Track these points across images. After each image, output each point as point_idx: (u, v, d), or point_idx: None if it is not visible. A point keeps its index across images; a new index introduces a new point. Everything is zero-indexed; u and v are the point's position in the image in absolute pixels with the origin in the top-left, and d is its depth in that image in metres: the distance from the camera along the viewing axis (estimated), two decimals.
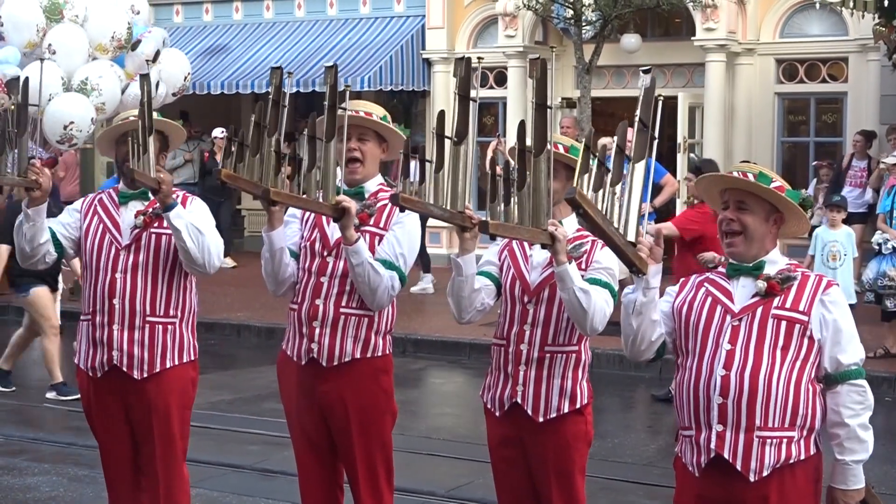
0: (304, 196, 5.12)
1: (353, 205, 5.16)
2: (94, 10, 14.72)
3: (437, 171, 4.71)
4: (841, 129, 18.52)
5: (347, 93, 5.15)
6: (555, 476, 5.14)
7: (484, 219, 4.52)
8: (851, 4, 14.98)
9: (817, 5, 15.61)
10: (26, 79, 5.81)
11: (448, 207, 4.71)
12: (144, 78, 5.56)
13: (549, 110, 4.40)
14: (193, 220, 5.63)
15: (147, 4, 15.83)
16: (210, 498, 7.85)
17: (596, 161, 4.25)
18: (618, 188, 4.23)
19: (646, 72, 4.24)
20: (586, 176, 4.21)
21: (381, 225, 5.47)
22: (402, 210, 5.07)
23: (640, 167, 4.21)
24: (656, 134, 4.23)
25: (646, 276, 4.34)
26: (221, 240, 5.81)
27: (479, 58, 4.70)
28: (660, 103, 4.23)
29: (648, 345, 4.53)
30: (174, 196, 5.61)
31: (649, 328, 4.49)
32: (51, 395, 11.18)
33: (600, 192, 4.20)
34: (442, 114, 4.79)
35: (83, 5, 14.72)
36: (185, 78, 15.92)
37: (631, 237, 4.23)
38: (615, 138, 4.30)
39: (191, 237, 5.60)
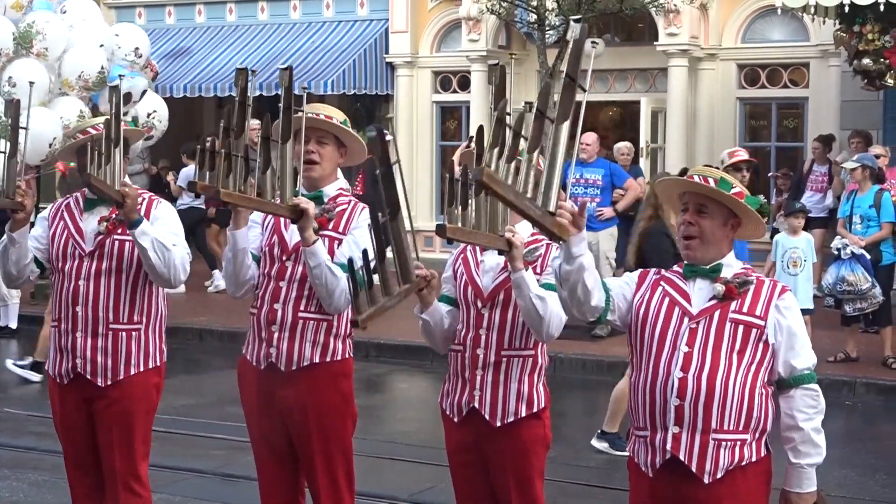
0: (259, 197, 5.08)
1: (311, 206, 5.15)
2: (75, 46, 14.63)
3: (392, 220, 4.74)
4: (802, 134, 18.65)
5: (305, 96, 5.15)
6: (514, 480, 5.16)
7: (441, 223, 4.52)
8: (812, 10, 15.08)
9: (779, 11, 15.70)
10: (17, 101, 5.79)
11: (401, 284, 4.81)
12: (114, 90, 5.53)
13: (507, 116, 4.40)
14: (159, 234, 5.58)
15: (148, 46, 15.56)
16: (172, 503, 7.82)
17: (511, 132, 4.21)
18: (536, 155, 4.03)
19: (577, 20, 4.03)
20: (496, 150, 4.15)
21: (340, 229, 5.47)
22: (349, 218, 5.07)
23: (564, 128, 3.96)
24: (586, 85, 4.00)
25: (567, 246, 4.27)
26: (187, 249, 5.77)
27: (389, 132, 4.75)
28: (592, 56, 4.03)
29: (587, 308, 4.47)
30: (139, 211, 5.54)
31: (582, 294, 4.40)
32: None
33: (513, 163, 4.10)
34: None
35: (64, 38, 14.60)
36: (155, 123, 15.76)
37: (552, 206, 4.02)
38: (535, 102, 4.08)
39: (157, 254, 5.55)
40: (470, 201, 4.48)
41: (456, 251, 5.36)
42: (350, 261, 4.86)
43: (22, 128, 5.70)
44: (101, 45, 14.68)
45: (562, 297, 4.52)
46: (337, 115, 5.57)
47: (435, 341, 5.24)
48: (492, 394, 5.14)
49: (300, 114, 5.32)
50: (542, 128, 4.04)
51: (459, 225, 4.49)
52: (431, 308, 5.07)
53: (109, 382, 5.72)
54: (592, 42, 4.11)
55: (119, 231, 5.70)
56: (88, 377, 5.73)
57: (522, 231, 5.00)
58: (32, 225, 5.89)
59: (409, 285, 4.81)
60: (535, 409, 5.17)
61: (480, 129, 4.55)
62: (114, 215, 5.72)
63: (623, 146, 16.53)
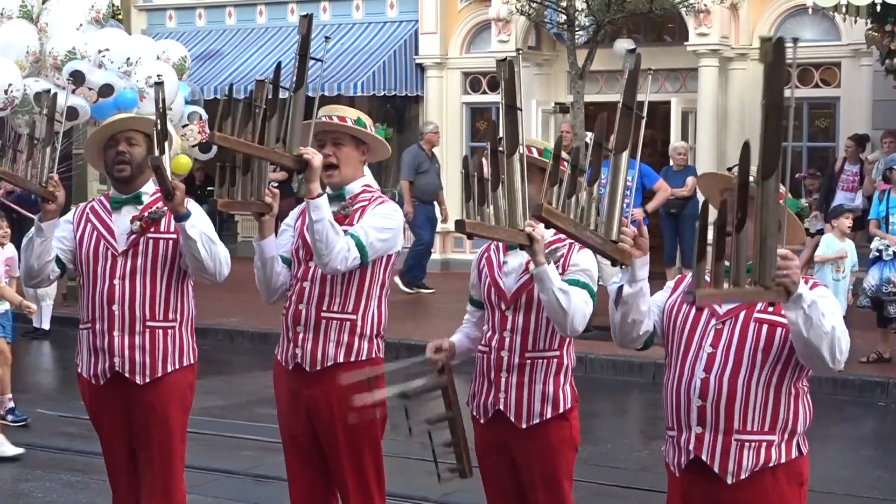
0: (263, 146, 5.01)
1: (317, 159, 5.11)
2: (67, 28, 14.56)
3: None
4: (834, 134, 18.56)
5: (317, 100, 5.13)
6: (541, 482, 5.15)
7: (460, 219, 4.54)
8: (844, 10, 15.01)
9: (810, 10, 15.63)
10: (55, 94, 5.82)
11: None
12: (159, 86, 5.54)
13: (518, 111, 4.41)
14: (204, 229, 5.62)
15: (173, 92, 15.08)
16: (204, 503, 7.84)
17: (570, 166, 4.24)
18: (595, 187, 4.15)
19: (630, 51, 4.13)
20: (555, 187, 4.20)
21: (354, 223, 5.47)
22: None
23: (623, 158, 4.10)
24: (644, 113, 4.12)
25: (631, 268, 4.30)
26: (224, 246, 5.80)
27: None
28: (648, 79, 4.10)
29: (636, 336, 4.51)
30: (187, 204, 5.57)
31: (637, 319, 4.44)
32: None
33: (573, 197, 4.15)
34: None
35: (68, 23, 14.54)
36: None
37: (614, 234, 4.15)
38: (593, 133, 4.24)
39: (204, 247, 5.57)
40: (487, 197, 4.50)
41: (480, 251, 5.36)
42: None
43: (57, 120, 5.73)
44: (107, 49, 14.49)
45: (614, 323, 4.51)
46: (350, 115, 5.56)
47: (471, 355, 5.40)
48: (517, 396, 5.14)
49: (319, 119, 5.37)
50: (601, 159, 4.13)
51: (478, 220, 4.51)
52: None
53: (148, 380, 5.74)
54: (628, 49, 4.17)
55: (153, 229, 5.73)
56: (127, 375, 5.74)
57: (545, 230, 4.99)
58: None
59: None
60: (561, 411, 5.16)
61: (493, 124, 4.57)
62: (146, 213, 5.75)
63: (680, 146, 16.51)
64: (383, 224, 5.46)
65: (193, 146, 15.89)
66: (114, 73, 14.41)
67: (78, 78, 14.00)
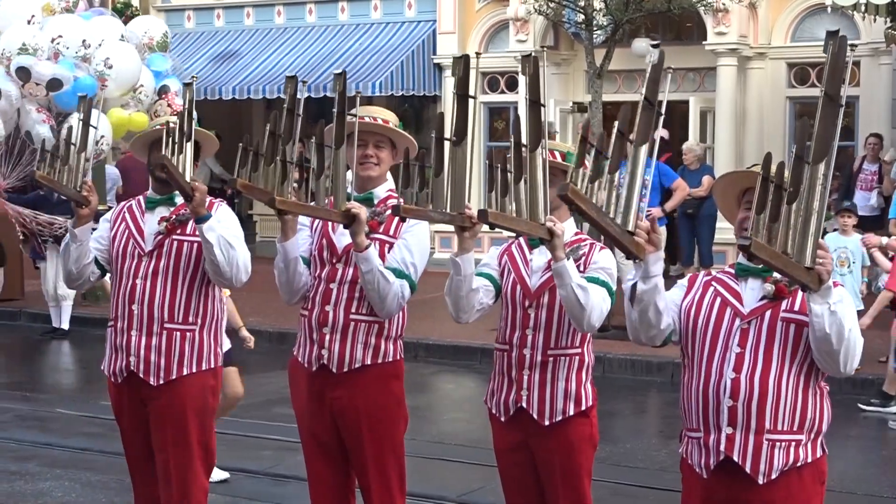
0: (313, 203, 5.13)
1: (363, 211, 5.17)
2: (11, 25, 14.48)
3: (436, 175, 4.77)
4: (853, 133, 18.50)
5: (358, 99, 5.19)
6: (561, 479, 5.16)
7: (483, 209, 4.55)
8: (863, 8, 14.98)
9: (829, 9, 15.59)
10: (90, 98, 5.85)
11: (448, 210, 4.76)
12: (188, 86, 5.58)
13: (542, 108, 4.42)
14: (224, 233, 5.63)
15: (132, 76, 14.75)
16: (222, 503, 7.85)
17: (594, 151, 4.24)
18: (617, 175, 4.17)
19: (654, 46, 4.12)
20: (581, 170, 4.19)
21: (391, 233, 5.48)
22: (402, 220, 5.09)
23: (642, 151, 4.11)
24: (663, 110, 4.14)
25: (645, 264, 4.29)
26: (248, 252, 5.80)
27: (477, 53, 4.76)
28: (668, 77, 4.14)
29: (656, 333, 4.50)
30: (206, 207, 5.59)
31: (653, 316, 4.43)
32: None
33: (596, 182, 4.16)
34: (441, 116, 4.85)
35: (19, 16, 14.44)
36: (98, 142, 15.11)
37: (630, 226, 4.16)
38: (616, 122, 4.22)
39: (221, 251, 5.60)
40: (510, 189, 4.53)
41: (501, 248, 5.36)
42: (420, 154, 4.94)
43: (92, 126, 5.75)
44: (61, 36, 14.29)
45: (631, 320, 4.50)
46: (392, 119, 5.62)
47: (458, 297, 5.11)
48: (539, 393, 5.15)
49: (354, 118, 5.37)
50: (623, 149, 4.16)
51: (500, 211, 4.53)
52: (468, 255, 5.00)
53: (162, 382, 5.76)
54: (651, 45, 4.15)
55: (178, 231, 5.77)
56: (141, 376, 5.77)
57: (566, 230, 5.00)
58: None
59: (455, 215, 4.78)
60: (583, 408, 5.18)
61: (517, 119, 4.59)
62: (174, 216, 5.79)
63: (691, 146, 16.49)
64: (423, 251, 5.53)
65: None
66: (68, 63, 14.24)
67: (24, 74, 13.94)
